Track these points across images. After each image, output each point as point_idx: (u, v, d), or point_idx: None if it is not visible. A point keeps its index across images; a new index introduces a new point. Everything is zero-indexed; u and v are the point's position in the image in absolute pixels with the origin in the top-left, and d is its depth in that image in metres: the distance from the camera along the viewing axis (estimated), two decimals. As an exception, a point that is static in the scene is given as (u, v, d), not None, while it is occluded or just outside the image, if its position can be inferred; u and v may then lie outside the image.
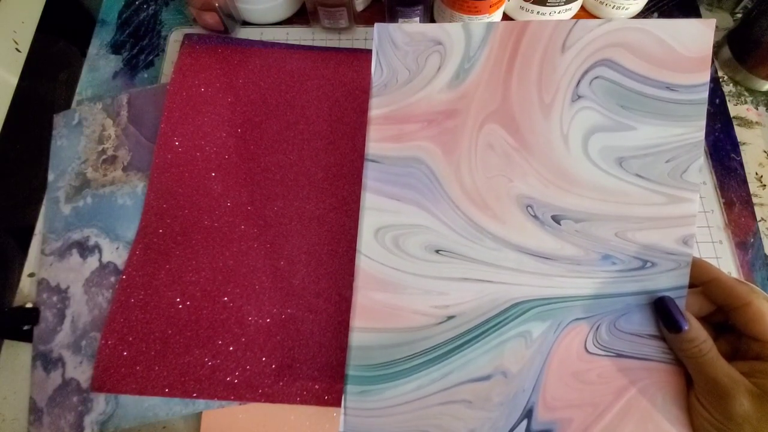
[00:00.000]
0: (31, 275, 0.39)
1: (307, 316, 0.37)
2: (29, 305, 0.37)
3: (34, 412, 0.35)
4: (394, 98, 0.31)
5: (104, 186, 0.41)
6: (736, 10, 0.49)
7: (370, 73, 0.30)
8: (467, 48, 0.30)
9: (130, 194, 0.41)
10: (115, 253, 0.39)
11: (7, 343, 0.37)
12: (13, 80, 0.46)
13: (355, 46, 0.47)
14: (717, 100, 0.45)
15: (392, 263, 0.30)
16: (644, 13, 0.49)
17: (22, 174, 0.43)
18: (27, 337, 0.37)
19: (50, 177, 0.42)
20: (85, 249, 0.39)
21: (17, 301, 0.38)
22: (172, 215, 0.39)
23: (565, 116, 0.29)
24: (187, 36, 0.46)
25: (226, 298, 0.37)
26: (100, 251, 0.39)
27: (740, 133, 0.44)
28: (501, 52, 0.30)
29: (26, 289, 0.38)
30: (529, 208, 0.29)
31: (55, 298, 0.37)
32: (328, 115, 0.43)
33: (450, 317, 0.29)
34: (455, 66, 0.30)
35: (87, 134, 0.43)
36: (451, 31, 0.30)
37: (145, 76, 0.46)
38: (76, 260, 0.39)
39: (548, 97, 0.29)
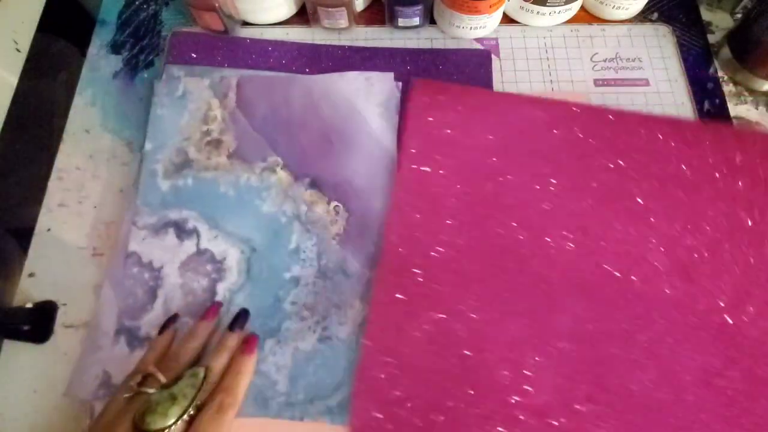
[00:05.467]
0: (31, 275, 0.39)
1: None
2: (29, 305, 0.37)
3: (106, 387, 0.34)
4: None
5: (207, 170, 0.40)
6: (736, 10, 0.49)
7: (627, 132, 0.37)
8: None
9: (233, 184, 0.40)
10: (213, 242, 0.38)
11: (7, 343, 0.37)
12: (13, 80, 0.46)
13: (382, 47, 0.47)
14: (717, 100, 0.45)
15: None
16: (644, 13, 0.49)
17: (22, 174, 0.43)
18: (27, 337, 0.37)
19: (147, 146, 0.40)
20: (182, 231, 0.38)
21: (17, 301, 0.38)
22: (412, 263, 0.37)
23: None
24: (417, 80, 0.44)
25: (493, 362, 0.34)
26: (198, 236, 0.38)
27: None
28: None
29: (26, 289, 0.38)
30: None
31: (146, 275, 0.37)
32: (578, 171, 0.39)
33: None
34: None
35: (191, 110, 0.42)
36: None
37: (145, 76, 0.46)
38: (172, 241, 0.38)
39: None
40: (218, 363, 0.32)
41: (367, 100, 0.43)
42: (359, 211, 0.40)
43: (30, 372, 0.36)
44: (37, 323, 0.37)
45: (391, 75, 0.44)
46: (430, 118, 0.41)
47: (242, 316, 0.35)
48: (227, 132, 0.41)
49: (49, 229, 0.40)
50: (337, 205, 0.40)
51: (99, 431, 0.29)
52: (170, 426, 0.28)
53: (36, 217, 0.41)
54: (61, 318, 0.38)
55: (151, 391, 0.29)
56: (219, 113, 0.42)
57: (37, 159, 0.43)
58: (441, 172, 0.40)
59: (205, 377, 0.30)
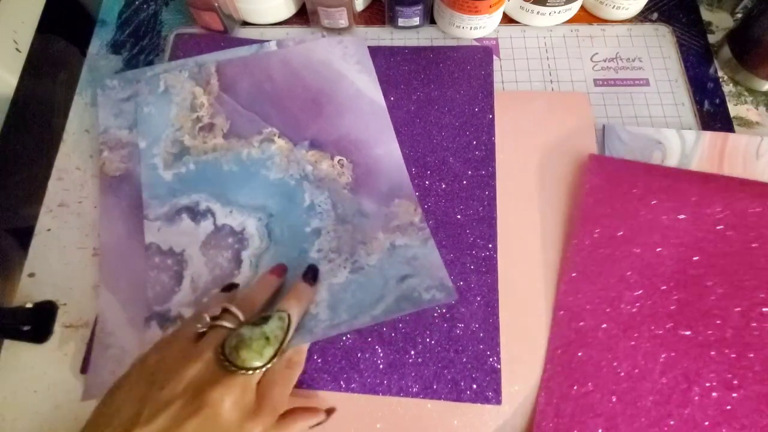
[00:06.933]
0: (31, 275, 0.39)
1: None
2: (29, 305, 0.37)
3: None
4: None
5: (206, 153, 0.41)
6: (736, 10, 0.49)
7: None
8: (683, 148, 0.41)
9: (235, 160, 0.41)
10: (230, 217, 0.39)
11: (7, 343, 0.37)
12: (13, 80, 0.46)
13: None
14: (717, 100, 0.45)
15: None
16: (644, 13, 0.49)
17: (21, 174, 0.43)
18: (27, 337, 0.37)
19: (141, 144, 0.42)
20: (196, 213, 0.39)
21: (17, 301, 0.38)
22: (576, 367, 0.34)
23: None
24: (595, 157, 0.40)
25: None
26: (213, 215, 0.39)
27: (740, 133, 0.44)
28: (711, 154, 0.40)
29: (26, 289, 0.38)
30: None
31: (169, 261, 0.38)
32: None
33: None
34: (676, 161, 0.40)
35: (177, 102, 0.43)
36: (668, 134, 0.41)
37: (145, 76, 0.46)
38: (188, 224, 0.39)
39: None
40: (296, 312, 0.32)
41: (345, 60, 0.45)
42: (362, 161, 0.41)
43: (30, 372, 0.36)
44: (37, 323, 0.37)
45: (362, 38, 0.47)
46: (605, 211, 0.38)
47: (313, 268, 0.36)
48: (217, 115, 0.43)
49: (49, 229, 0.40)
50: (340, 159, 0.41)
51: (169, 358, 0.28)
52: (261, 367, 0.28)
53: (36, 217, 0.41)
54: (61, 318, 0.38)
55: (229, 325, 0.29)
56: (205, 99, 0.43)
57: (37, 159, 0.43)
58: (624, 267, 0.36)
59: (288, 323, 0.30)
